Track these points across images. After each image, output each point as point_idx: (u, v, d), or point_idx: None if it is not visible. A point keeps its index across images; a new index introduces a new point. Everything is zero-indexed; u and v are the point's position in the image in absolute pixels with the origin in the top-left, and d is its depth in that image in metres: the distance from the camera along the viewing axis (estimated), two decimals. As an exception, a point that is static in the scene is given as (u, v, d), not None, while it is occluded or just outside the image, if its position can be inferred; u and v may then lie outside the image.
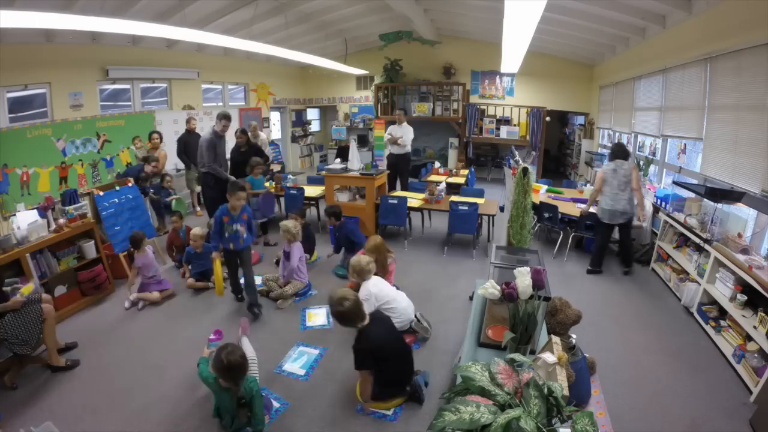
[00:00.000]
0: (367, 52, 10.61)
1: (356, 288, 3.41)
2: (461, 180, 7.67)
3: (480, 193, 6.31)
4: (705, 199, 4.08)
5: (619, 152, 4.74)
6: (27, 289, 3.25)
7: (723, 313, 3.51)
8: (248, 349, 2.84)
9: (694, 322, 3.83)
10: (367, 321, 2.65)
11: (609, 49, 7.63)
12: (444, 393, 1.64)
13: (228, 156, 5.91)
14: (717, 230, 3.76)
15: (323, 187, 6.42)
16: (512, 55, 5.18)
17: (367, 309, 2.89)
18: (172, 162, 7.44)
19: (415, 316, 3.49)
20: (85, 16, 3.51)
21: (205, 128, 6.96)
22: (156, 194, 5.72)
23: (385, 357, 2.60)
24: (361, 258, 3.48)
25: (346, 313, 2.57)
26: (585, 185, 6.81)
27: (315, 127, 12.75)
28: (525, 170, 3.41)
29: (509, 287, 2.00)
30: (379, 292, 3.34)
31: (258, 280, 4.34)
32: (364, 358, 2.57)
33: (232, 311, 4.08)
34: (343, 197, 6.08)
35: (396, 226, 6.04)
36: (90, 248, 4.18)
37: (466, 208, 5.28)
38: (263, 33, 7.33)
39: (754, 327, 2.98)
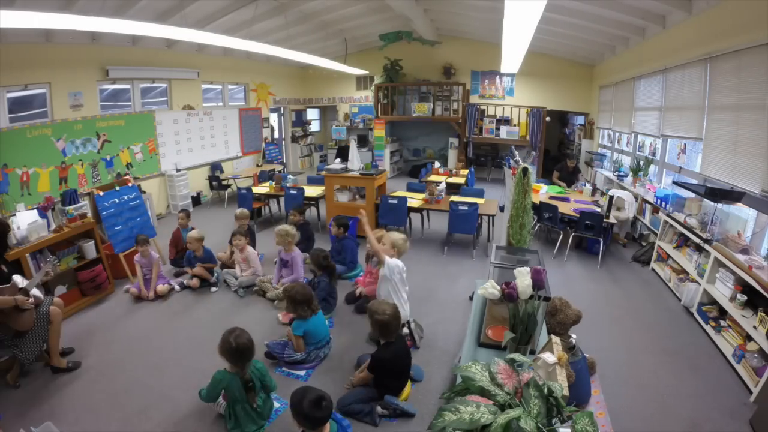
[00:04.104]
0: (367, 52, 10.62)
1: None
2: (461, 180, 7.67)
3: (480, 193, 6.32)
4: (705, 199, 4.08)
5: None
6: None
7: (723, 313, 3.51)
8: None
9: (694, 322, 3.83)
10: (393, 338, 2.77)
11: (609, 49, 7.63)
12: (444, 393, 1.64)
13: None
14: (717, 230, 3.76)
15: (323, 187, 6.42)
16: (512, 55, 5.18)
17: (398, 280, 3.28)
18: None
19: (413, 321, 3.50)
20: (85, 16, 3.51)
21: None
22: None
23: (397, 372, 2.77)
24: (399, 235, 3.56)
25: (386, 322, 2.69)
26: (584, 185, 6.82)
27: (315, 127, 12.76)
28: (525, 170, 3.41)
29: (509, 287, 2.00)
30: (404, 272, 3.39)
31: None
32: (381, 366, 2.71)
33: (232, 311, 4.08)
34: (343, 197, 6.08)
35: (396, 226, 6.04)
36: (90, 248, 4.18)
37: (466, 208, 5.28)
38: (263, 33, 7.33)
39: (754, 327, 2.98)
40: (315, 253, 3.91)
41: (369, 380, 2.77)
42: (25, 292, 2.92)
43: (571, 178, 7.40)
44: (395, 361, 2.73)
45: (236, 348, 2.43)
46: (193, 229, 4.85)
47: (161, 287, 4.27)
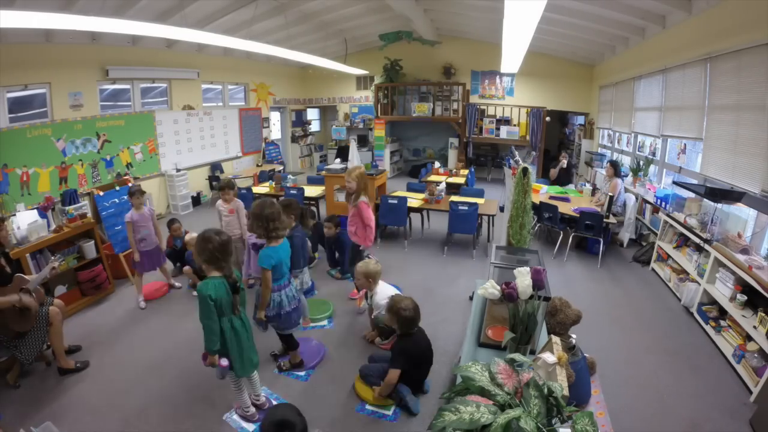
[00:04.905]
0: (367, 52, 10.62)
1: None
2: (461, 180, 7.67)
3: (480, 193, 6.32)
4: (705, 199, 4.08)
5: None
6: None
7: (723, 313, 3.51)
8: None
9: (694, 322, 3.83)
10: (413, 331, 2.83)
11: (609, 49, 7.63)
12: (444, 393, 1.64)
13: None
14: (717, 230, 3.76)
15: (323, 187, 6.42)
16: (512, 55, 5.18)
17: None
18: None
19: None
20: (85, 16, 3.51)
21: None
22: None
23: (419, 362, 2.83)
24: (368, 262, 3.51)
25: (410, 319, 2.75)
26: (584, 185, 6.82)
27: (315, 127, 12.76)
28: (525, 170, 3.41)
29: (509, 287, 2.00)
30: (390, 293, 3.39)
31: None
32: (403, 358, 2.75)
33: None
34: (343, 197, 6.07)
35: (396, 226, 6.04)
36: (90, 248, 4.18)
37: (466, 208, 5.28)
38: (263, 33, 7.33)
39: (754, 327, 2.98)
40: (286, 202, 3.53)
41: (394, 382, 2.75)
42: (28, 291, 2.93)
43: (566, 176, 7.30)
44: (419, 350, 2.80)
45: (221, 243, 2.28)
46: (187, 233, 4.82)
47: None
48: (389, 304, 2.85)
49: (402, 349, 2.77)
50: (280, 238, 2.81)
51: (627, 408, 2.75)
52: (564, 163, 7.24)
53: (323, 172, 6.57)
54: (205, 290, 2.23)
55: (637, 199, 5.71)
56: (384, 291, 3.43)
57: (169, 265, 4.66)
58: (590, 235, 5.19)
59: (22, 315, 2.87)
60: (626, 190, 5.84)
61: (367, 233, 3.99)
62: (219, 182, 4.76)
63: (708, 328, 3.60)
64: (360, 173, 4.00)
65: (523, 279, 1.96)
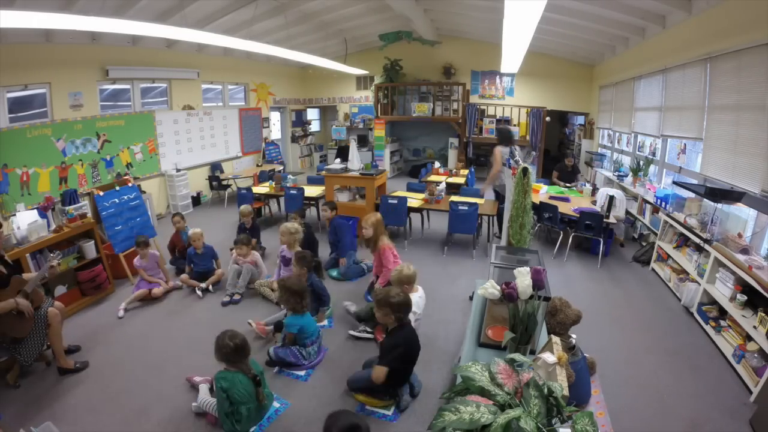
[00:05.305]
0: (367, 52, 10.62)
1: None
2: (461, 180, 7.67)
3: (480, 193, 6.31)
4: (705, 199, 4.08)
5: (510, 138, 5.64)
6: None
7: (723, 313, 3.51)
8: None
9: (694, 322, 3.83)
10: (407, 321, 2.75)
11: (609, 49, 7.63)
12: (444, 393, 1.64)
13: None
14: (717, 230, 3.76)
15: (323, 187, 6.42)
16: (512, 55, 5.18)
17: (412, 318, 3.10)
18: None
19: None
20: (85, 16, 3.51)
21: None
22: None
23: (410, 359, 2.75)
24: (402, 267, 3.39)
25: (404, 302, 2.68)
26: (584, 185, 6.82)
27: (315, 127, 12.76)
28: (525, 170, 3.41)
29: (509, 287, 2.00)
30: (421, 303, 3.42)
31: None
32: (396, 353, 2.64)
33: (231, 311, 4.08)
34: (343, 197, 6.08)
35: (396, 226, 6.04)
36: (90, 248, 4.18)
37: (465, 208, 5.28)
38: (263, 33, 7.33)
39: (754, 327, 2.98)
40: (300, 255, 3.81)
41: (381, 381, 2.66)
42: (25, 294, 2.92)
43: (570, 177, 7.40)
44: (411, 344, 2.72)
45: (234, 347, 2.43)
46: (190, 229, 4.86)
47: (157, 290, 4.24)
48: (376, 298, 2.75)
49: (395, 344, 2.64)
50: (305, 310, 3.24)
51: (627, 408, 2.75)
52: (571, 162, 7.59)
53: (323, 172, 6.57)
54: (221, 382, 2.41)
55: (636, 198, 5.71)
56: (414, 300, 3.19)
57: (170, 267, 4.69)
58: (590, 235, 5.19)
59: (18, 321, 2.87)
60: (627, 193, 5.82)
61: (384, 274, 4.03)
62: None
63: (708, 328, 3.60)
64: (375, 221, 4.17)
65: (523, 279, 1.96)
